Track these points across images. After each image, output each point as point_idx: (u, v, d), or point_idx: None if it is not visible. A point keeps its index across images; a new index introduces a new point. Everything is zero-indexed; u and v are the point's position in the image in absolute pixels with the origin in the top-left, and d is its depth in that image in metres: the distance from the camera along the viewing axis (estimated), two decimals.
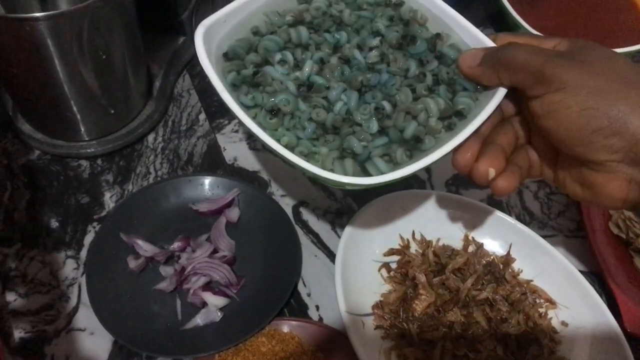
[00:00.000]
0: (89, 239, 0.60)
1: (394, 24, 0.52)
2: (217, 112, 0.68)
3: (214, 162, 0.66)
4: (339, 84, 0.48)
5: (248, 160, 0.66)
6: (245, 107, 0.47)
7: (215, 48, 0.49)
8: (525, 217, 0.65)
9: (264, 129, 0.46)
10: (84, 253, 0.59)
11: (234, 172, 0.66)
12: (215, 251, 0.58)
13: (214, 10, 0.55)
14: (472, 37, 0.50)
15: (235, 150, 0.67)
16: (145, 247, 0.58)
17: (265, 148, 0.50)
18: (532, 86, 0.41)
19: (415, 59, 0.51)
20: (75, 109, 0.61)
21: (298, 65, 0.49)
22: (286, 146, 0.46)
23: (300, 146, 0.47)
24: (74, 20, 0.52)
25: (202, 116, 0.70)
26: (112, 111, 0.63)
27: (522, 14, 0.70)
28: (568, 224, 0.65)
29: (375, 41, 0.51)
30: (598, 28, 0.76)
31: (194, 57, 0.73)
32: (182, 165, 0.66)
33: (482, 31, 0.51)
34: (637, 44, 0.71)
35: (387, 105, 0.47)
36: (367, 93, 0.48)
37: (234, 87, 0.48)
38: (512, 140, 0.47)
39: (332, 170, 0.45)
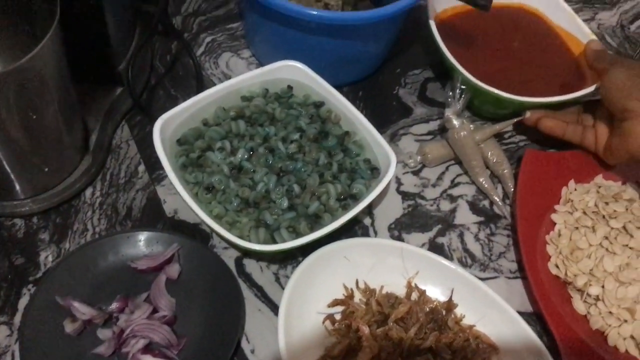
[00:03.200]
0: (23, 302, 0.58)
1: (314, 121, 0.67)
2: (157, 163, 0.67)
3: (153, 215, 0.65)
4: (262, 169, 0.62)
5: (189, 213, 0.65)
6: (188, 183, 0.61)
7: (171, 134, 0.63)
8: (467, 259, 0.66)
9: (199, 201, 0.59)
10: (18, 318, 0.57)
11: (175, 225, 0.65)
12: (155, 311, 0.57)
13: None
14: (372, 136, 0.65)
15: (175, 203, 0.66)
16: (82, 310, 0.56)
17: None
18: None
19: (326, 151, 0.65)
20: (7, 168, 0.59)
21: (233, 152, 0.63)
22: (216, 216, 0.60)
23: (227, 216, 0.60)
24: (1, 84, 0.51)
25: (142, 168, 0.69)
26: (47, 169, 0.62)
27: (459, 58, 0.71)
28: (509, 265, 0.66)
29: (297, 135, 0.65)
30: (537, 75, 0.77)
31: (133, 107, 0.72)
32: (120, 221, 0.64)
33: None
34: (576, 91, 0.72)
35: (296, 188, 0.61)
36: (284, 177, 0.62)
37: (183, 167, 0.62)
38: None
39: (248, 237, 0.58)
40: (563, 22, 0.81)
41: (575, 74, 0.77)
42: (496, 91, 0.70)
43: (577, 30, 0.79)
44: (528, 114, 0.71)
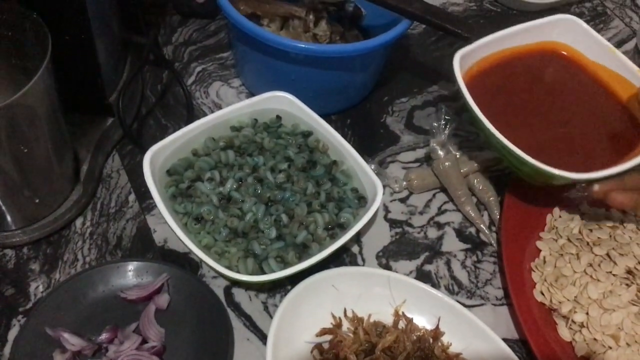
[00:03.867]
0: (13, 333, 0.59)
1: (302, 150, 0.68)
2: (147, 192, 0.67)
3: (143, 244, 0.66)
4: (251, 199, 0.63)
5: (178, 242, 0.66)
6: (178, 214, 0.62)
7: (161, 165, 0.64)
8: (454, 286, 0.67)
9: (188, 232, 0.60)
10: (7, 349, 0.57)
11: (165, 254, 0.65)
12: (144, 341, 0.58)
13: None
14: (359, 165, 0.66)
15: (165, 232, 0.67)
16: (72, 341, 0.57)
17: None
18: None
19: (314, 180, 0.66)
20: None
21: (222, 182, 0.64)
22: (205, 246, 0.60)
23: (216, 246, 0.60)
24: None
25: (132, 197, 0.69)
26: (37, 200, 0.62)
27: (499, 127, 0.62)
28: (495, 292, 0.67)
29: (285, 165, 0.66)
30: (588, 136, 0.67)
31: (124, 137, 0.73)
32: (110, 250, 0.65)
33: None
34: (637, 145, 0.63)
35: (284, 217, 0.62)
36: (272, 206, 0.63)
37: (173, 197, 0.63)
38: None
39: (237, 267, 0.59)
40: (601, 59, 0.71)
41: (629, 123, 0.67)
42: (557, 172, 0.59)
43: (621, 67, 0.69)
44: (596, 187, 0.60)
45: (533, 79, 0.71)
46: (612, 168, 0.60)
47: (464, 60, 0.65)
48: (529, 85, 0.70)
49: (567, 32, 0.72)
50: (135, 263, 0.62)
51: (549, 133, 0.66)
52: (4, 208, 0.61)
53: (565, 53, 0.72)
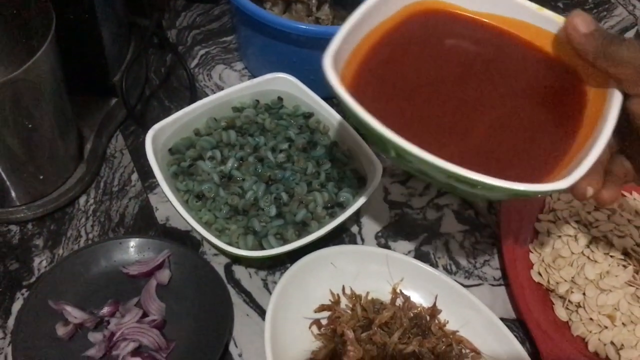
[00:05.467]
0: (17, 306, 0.60)
1: (303, 131, 0.69)
2: (150, 171, 0.68)
3: (145, 222, 0.67)
4: (252, 177, 0.64)
5: (180, 220, 0.67)
6: (179, 191, 0.63)
7: (163, 144, 0.64)
8: (452, 267, 0.67)
9: (189, 209, 0.61)
10: (11, 321, 0.59)
11: (166, 232, 0.66)
12: (145, 315, 0.58)
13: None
14: (360, 147, 0.65)
15: (167, 210, 0.68)
16: (74, 314, 0.58)
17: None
18: (636, 83, 0.41)
19: (314, 161, 0.66)
20: (3, 176, 0.61)
21: (224, 161, 0.65)
22: (206, 223, 0.61)
23: (216, 223, 0.61)
24: None
25: (135, 176, 0.70)
26: (42, 176, 0.63)
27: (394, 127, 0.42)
28: (493, 272, 0.67)
29: (286, 145, 0.67)
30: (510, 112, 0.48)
31: (127, 117, 0.74)
32: (113, 227, 0.66)
33: None
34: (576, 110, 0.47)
35: (284, 196, 0.63)
36: (272, 185, 0.64)
37: (174, 175, 0.64)
38: (606, 151, 0.45)
39: (237, 243, 0.59)
40: (487, 6, 0.51)
41: (563, 81, 0.49)
42: (501, 183, 0.40)
43: (516, 9, 0.50)
44: (590, 192, 0.45)
45: (421, 63, 0.51)
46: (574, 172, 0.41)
47: (338, 61, 0.45)
48: (420, 66, 0.50)
49: None
50: (137, 239, 0.63)
51: (476, 130, 0.47)
52: (8, 183, 0.62)
53: (443, 10, 0.53)
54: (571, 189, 0.42)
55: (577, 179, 0.40)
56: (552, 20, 0.49)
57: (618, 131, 0.43)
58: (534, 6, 0.49)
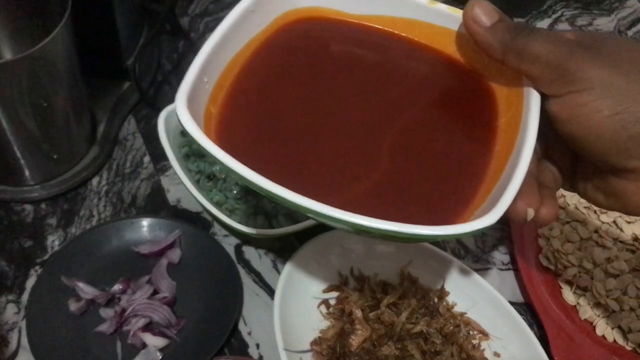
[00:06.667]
0: (30, 282, 0.61)
1: None
2: (162, 154, 0.69)
3: (157, 204, 0.68)
4: None
5: (191, 202, 0.68)
6: (191, 172, 0.63)
7: (175, 126, 0.64)
8: (460, 251, 0.68)
9: (201, 189, 0.61)
10: (25, 297, 0.60)
11: (177, 214, 0.67)
12: (155, 292, 0.59)
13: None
14: None
15: (178, 192, 0.69)
16: (86, 290, 0.58)
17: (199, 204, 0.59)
18: (552, 82, 0.35)
19: None
20: (18, 154, 0.62)
21: None
22: (217, 203, 0.62)
23: (227, 204, 0.62)
24: (14, 70, 0.54)
25: (147, 159, 0.71)
26: (56, 156, 0.64)
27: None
28: (501, 257, 0.68)
29: None
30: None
31: (139, 101, 0.75)
32: (125, 208, 0.67)
33: None
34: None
35: None
36: None
37: (186, 157, 0.64)
38: (534, 159, 0.36)
39: (247, 223, 0.60)
40: (371, 8, 0.43)
41: (468, 87, 0.42)
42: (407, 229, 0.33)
43: (423, 11, 0.42)
44: (531, 215, 0.37)
45: (300, 78, 0.42)
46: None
47: (194, 105, 0.36)
48: (300, 90, 0.41)
49: None
50: (149, 219, 0.64)
51: (373, 163, 0.38)
52: (23, 162, 0.63)
53: (321, 19, 0.44)
54: (508, 215, 0.33)
55: (508, 205, 0.32)
56: (449, 15, 0.41)
57: (540, 135, 0.36)
58: (424, 1, 0.42)
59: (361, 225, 0.32)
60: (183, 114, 0.34)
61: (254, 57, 0.41)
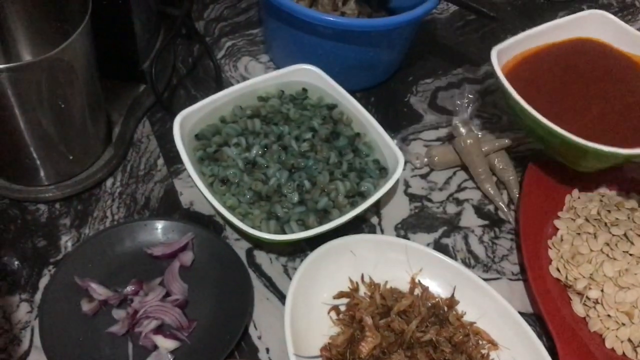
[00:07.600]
0: (44, 282, 0.61)
1: (326, 122, 0.70)
2: (175, 157, 0.70)
3: (170, 206, 0.68)
4: (275, 165, 0.65)
5: (204, 205, 0.68)
6: (204, 175, 0.64)
7: (189, 130, 0.66)
8: (471, 260, 0.68)
9: (214, 192, 0.62)
10: (38, 296, 0.60)
11: (190, 217, 0.68)
12: (167, 294, 0.60)
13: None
14: (382, 138, 0.67)
15: (191, 195, 0.69)
16: (99, 291, 0.59)
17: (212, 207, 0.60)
18: None
19: (337, 151, 0.67)
20: (34, 155, 0.62)
21: (248, 148, 0.66)
22: (230, 207, 0.62)
23: (240, 208, 0.63)
24: (34, 72, 0.54)
25: (161, 161, 0.72)
26: (71, 157, 0.65)
27: (545, 114, 0.64)
28: (511, 267, 0.68)
29: (309, 135, 0.68)
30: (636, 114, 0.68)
31: (154, 104, 0.75)
32: (138, 210, 0.67)
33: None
34: None
35: (307, 183, 0.64)
36: (295, 173, 0.65)
37: (200, 160, 0.65)
38: None
39: (259, 227, 0.61)
40: (634, 49, 0.73)
41: None
42: (606, 148, 0.61)
43: None
44: None
45: (566, 69, 0.72)
46: None
47: (501, 55, 0.69)
48: (563, 74, 0.71)
49: (597, 26, 0.74)
50: (162, 222, 0.64)
51: (589, 115, 0.67)
52: (38, 162, 0.63)
53: (597, 44, 0.74)
54: None
55: None
56: None
57: None
58: None
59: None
60: (494, 59, 0.67)
61: (545, 50, 0.73)
